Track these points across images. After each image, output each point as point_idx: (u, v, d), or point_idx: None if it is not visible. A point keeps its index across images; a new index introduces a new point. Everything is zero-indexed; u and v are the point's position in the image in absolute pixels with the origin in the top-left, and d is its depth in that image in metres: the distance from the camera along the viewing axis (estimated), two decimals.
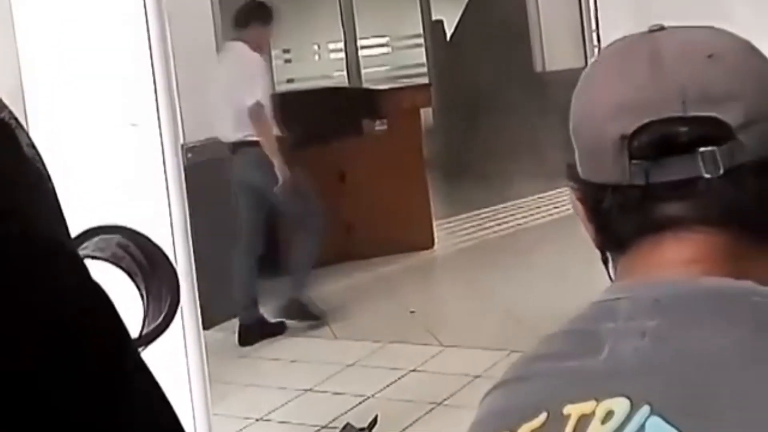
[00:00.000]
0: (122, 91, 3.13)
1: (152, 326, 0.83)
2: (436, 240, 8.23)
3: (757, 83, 1.02)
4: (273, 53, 11.80)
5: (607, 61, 1.12)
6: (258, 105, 6.12)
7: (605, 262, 1.07)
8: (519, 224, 8.87)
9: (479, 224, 8.96)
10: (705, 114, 0.98)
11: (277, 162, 6.08)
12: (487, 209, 9.30)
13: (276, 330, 6.38)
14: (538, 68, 9.99)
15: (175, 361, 3.15)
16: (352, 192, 7.73)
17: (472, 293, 6.99)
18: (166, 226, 3.17)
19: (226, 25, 8.82)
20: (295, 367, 5.88)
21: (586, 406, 0.91)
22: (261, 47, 6.34)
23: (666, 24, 1.08)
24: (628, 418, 0.89)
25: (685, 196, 0.99)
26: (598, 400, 0.91)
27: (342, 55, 12.44)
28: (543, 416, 0.94)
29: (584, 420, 0.91)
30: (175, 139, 3.29)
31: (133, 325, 0.71)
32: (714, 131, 0.98)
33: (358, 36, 12.35)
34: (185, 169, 3.41)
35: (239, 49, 6.24)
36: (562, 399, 0.93)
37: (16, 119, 0.70)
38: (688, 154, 0.97)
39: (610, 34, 5.25)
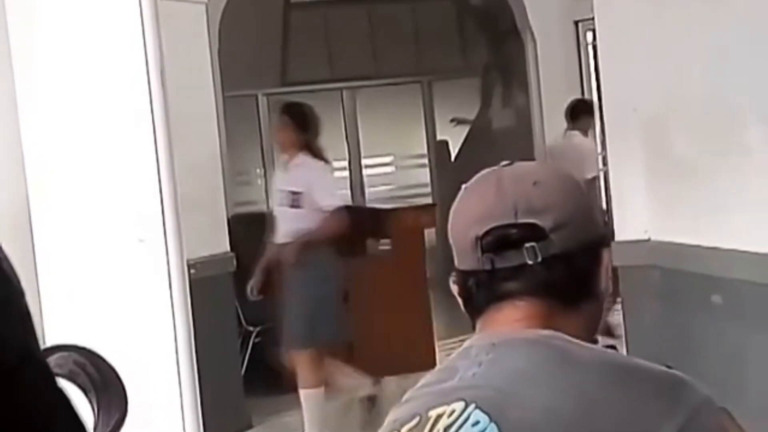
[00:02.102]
0: (130, 207, 3.17)
1: None
2: (438, 361, 8.19)
3: (564, 202, 1.53)
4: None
5: (470, 187, 1.60)
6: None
7: (473, 323, 1.55)
8: None
9: None
10: (529, 221, 1.49)
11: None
12: None
13: None
14: None
15: None
16: (353, 312, 7.72)
17: None
18: (171, 339, 3.18)
19: (231, 140, 8.93)
20: None
21: (440, 409, 1.41)
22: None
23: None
24: (462, 411, 1.39)
25: (517, 276, 1.50)
26: (447, 405, 1.41)
27: (346, 173, 12.55)
28: (416, 419, 1.43)
29: (439, 417, 1.41)
30: (180, 255, 3.32)
31: None
32: (535, 233, 1.49)
33: (362, 155, 12.48)
34: (189, 285, 3.43)
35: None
36: (428, 407, 1.43)
37: None
38: (517, 249, 1.49)
39: (616, 153, 5.34)
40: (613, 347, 1.60)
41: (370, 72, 12.26)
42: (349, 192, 12.35)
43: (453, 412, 1.40)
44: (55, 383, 0.77)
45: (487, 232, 1.50)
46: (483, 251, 1.50)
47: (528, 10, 9.91)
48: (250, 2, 9.99)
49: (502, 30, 10.82)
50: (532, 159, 10.11)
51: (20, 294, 0.79)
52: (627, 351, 5.07)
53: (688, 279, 4.75)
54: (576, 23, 9.73)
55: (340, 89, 12.20)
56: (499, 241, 1.49)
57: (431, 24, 12.60)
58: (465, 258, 1.54)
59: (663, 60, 4.81)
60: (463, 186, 1.62)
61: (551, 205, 1.51)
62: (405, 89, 12.60)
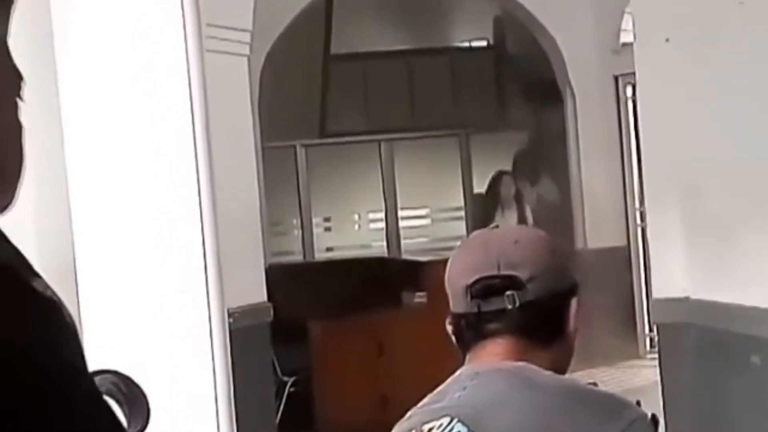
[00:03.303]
0: (173, 258, 3.20)
1: None
2: None
3: (538, 258, 1.86)
4: (314, 221, 11.97)
5: (464, 244, 2.01)
6: None
7: (463, 355, 1.89)
8: None
9: None
10: (509, 273, 1.83)
11: None
12: None
13: None
14: (580, 245, 10.04)
15: None
16: (389, 364, 7.71)
17: None
18: (210, 389, 3.20)
19: (269, 190, 8.98)
20: None
21: (431, 424, 1.74)
22: None
23: None
24: (448, 424, 1.71)
25: (499, 318, 1.83)
26: (437, 420, 1.73)
27: (382, 225, 12.57)
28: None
29: (430, 430, 1.73)
30: (221, 305, 3.35)
31: None
32: (514, 283, 1.82)
33: (399, 206, 12.51)
34: (229, 334, 3.45)
35: None
36: (422, 422, 1.76)
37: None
38: (500, 296, 1.83)
39: (656, 210, 5.32)
40: (593, 383, 1.89)
41: (407, 124, 12.32)
42: (384, 243, 12.38)
43: (441, 425, 1.74)
44: (102, 396, 1.06)
45: (475, 282, 1.85)
46: (472, 297, 1.86)
47: (567, 64, 9.95)
48: (290, 53, 10.09)
49: (541, 84, 10.86)
50: (570, 213, 10.12)
51: (74, 323, 1.06)
52: (663, 408, 5.03)
53: (726, 338, 4.72)
54: (616, 78, 9.75)
55: (378, 141, 12.26)
56: (485, 289, 1.84)
57: (469, 77, 12.66)
58: (457, 302, 1.89)
59: (704, 118, 4.81)
60: (459, 243, 2.02)
61: (528, 260, 1.85)
62: (442, 142, 12.65)
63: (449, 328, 1.93)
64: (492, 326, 1.84)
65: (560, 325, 1.89)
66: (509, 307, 1.82)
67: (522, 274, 1.82)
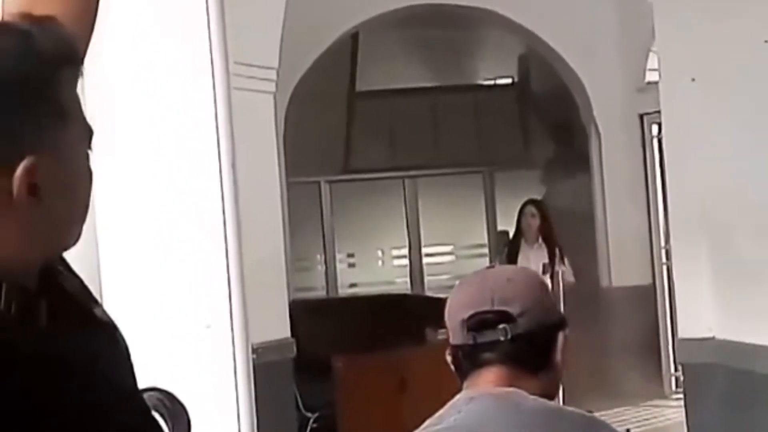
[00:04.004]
0: (199, 294, 3.22)
1: None
2: None
3: (528, 295, 2.05)
4: (337, 257, 11.98)
5: (462, 282, 2.16)
6: None
7: (461, 382, 2.07)
8: None
9: None
10: (502, 308, 2.02)
11: None
12: None
13: None
14: (605, 283, 10.00)
15: None
16: (411, 400, 7.68)
17: None
18: (234, 426, 3.20)
19: (293, 225, 9.00)
20: None
21: None
22: None
23: None
24: None
25: (493, 349, 2.02)
26: None
27: (406, 261, 12.57)
28: None
29: None
30: (246, 341, 3.35)
31: None
32: (506, 317, 2.01)
33: (422, 243, 12.51)
34: (253, 369, 3.46)
35: None
36: None
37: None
38: (493, 329, 2.02)
39: (681, 249, 5.30)
40: (590, 411, 2.06)
41: (432, 161, 12.35)
42: (408, 280, 12.37)
43: None
44: (150, 411, 1.30)
45: (471, 316, 2.04)
46: (468, 330, 2.04)
47: (593, 102, 9.95)
48: (315, 90, 10.14)
49: (565, 122, 10.87)
50: (595, 251, 10.09)
51: (128, 346, 1.33)
52: None
53: (752, 379, 4.68)
54: (641, 116, 9.74)
55: (402, 177, 12.29)
56: (480, 322, 2.03)
57: (494, 114, 12.69)
58: (456, 335, 2.07)
59: (730, 158, 4.80)
60: (458, 281, 2.19)
61: (519, 297, 2.04)
62: (466, 179, 12.66)
63: (449, 359, 2.10)
64: (486, 356, 2.04)
65: (548, 356, 2.08)
66: (502, 339, 2.02)
67: (513, 310, 2.02)
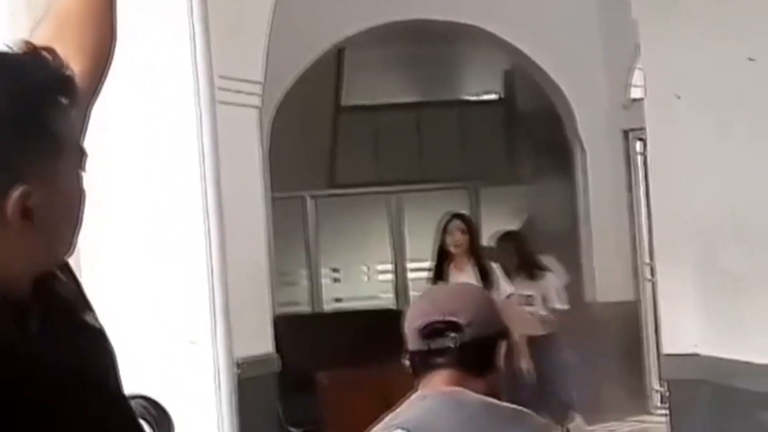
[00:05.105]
0: (182, 310, 3.20)
1: None
2: None
3: (475, 308, 2.38)
4: (322, 272, 11.95)
5: (420, 296, 2.65)
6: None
7: (417, 383, 2.36)
8: None
9: None
10: (452, 319, 2.32)
11: None
12: None
13: None
14: (589, 298, 10.00)
15: None
16: None
17: None
18: None
19: (277, 240, 8.98)
20: None
21: None
22: None
23: None
24: None
25: (443, 354, 2.31)
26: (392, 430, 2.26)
27: (391, 276, 12.54)
28: None
29: None
30: (229, 357, 3.34)
31: None
32: (455, 327, 2.31)
33: (407, 258, 12.48)
34: (237, 384, 3.44)
35: None
36: None
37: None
38: (444, 336, 2.31)
39: (666, 266, 5.30)
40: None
41: (417, 176, 12.33)
42: (393, 295, 12.34)
43: None
44: (137, 416, 1.37)
45: (425, 326, 2.34)
46: (423, 338, 2.34)
47: (577, 118, 9.97)
48: (300, 105, 10.13)
49: (550, 138, 10.88)
50: (579, 266, 10.10)
51: (115, 352, 1.42)
52: None
53: (736, 395, 4.68)
54: (625, 132, 9.76)
55: (387, 193, 12.27)
56: (433, 331, 2.33)
57: (479, 130, 12.68)
58: (412, 342, 2.37)
59: (714, 175, 4.81)
60: (418, 295, 2.61)
61: (466, 309, 2.36)
62: (451, 194, 12.62)
63: (406, 363, 2.40)
64: (438, 360, 2.34)
65: (491, 361, 2.38)
66: (451, 345, 2.32)
67: (461, 320, 2.33)
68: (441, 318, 2.33)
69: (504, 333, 2.44)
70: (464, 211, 7.64)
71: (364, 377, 7.41)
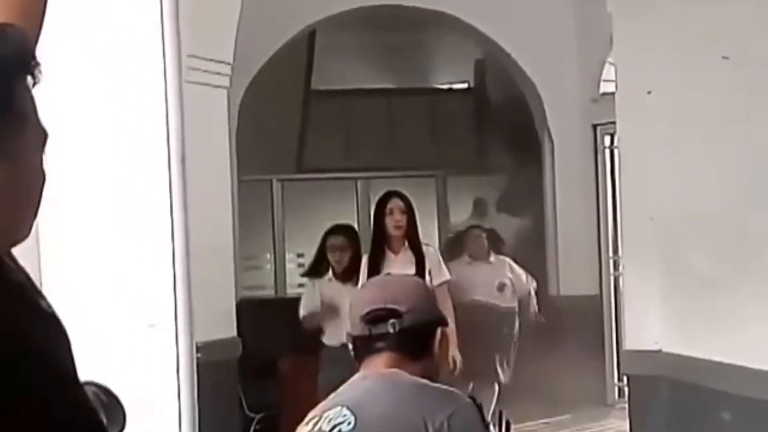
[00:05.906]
0: (142, 292, 3.15)
1: None
2: None
3: (414, 297, 2.61)
4: (287, 257, 11.90)
5: (365, 285, 3.34)
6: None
7: (359, 366, 2.60)
8: None
9: None
10: (393, 307, 2.55)
11: None
12: None
13: None
14: (552, 292, 10.01)
15: None
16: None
17: None
18: (175, 426, 3.14)
19: (243, 224, 8.92)
20: None
21: (330, 411, 2.46)
22: None
23: None
24: (340, 410, 2.44)
25: (383, 339, 2.54)
26: (333, 408, 2.45)
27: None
28: (316, 417, 2.49)
29: (327, 415, 2.45)
30: (190, 340, 3.30)
31: None
32: (395, 314, 2.54)
33: None
34: (197, 368, 3.40)
35: None
36: (323, 410, 2.49)
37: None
38: (385, 323, 2.53)
39: (631, 261, 5.31)
40: (472, 397, 2.54)
41: (385, 163, 12.30)
42: None
43: (336, 411, 2.44)
44: (89, 400, 1.37)
45: (368, 312, 2.56)
46: (365, 323, 2.56)
47: (547, 110, 9.97)
48: (270, 87, 10.06)
49: (519, 128, 10.87)
50: (544, 259, 10.11)
51: (69, 337, 1.38)
52: None
53: (697, 393, 4.69)
54: (594, 127, 9.76)
55: (355, 178, 12.23)
56: (374, 318, 2.55)
57: (449, 118, 12.67)
58: (355, 327, 2.59)
59: (683, 171, 4.81)
60: (366, 282, 2.93)
61: (406, 298, 2.59)
62: (420, 182, 12.58)
63: (349, 346, 2.63)
64: (378, 344, 2.55)
65: (428, 346, 2.61)
66: (391, 331, 2.54)
67: (401, 308, 2.55)
68: (383, 305, 2.55)
69: (441, 321, 2.68)
70: (409, 196, 7.00)
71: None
